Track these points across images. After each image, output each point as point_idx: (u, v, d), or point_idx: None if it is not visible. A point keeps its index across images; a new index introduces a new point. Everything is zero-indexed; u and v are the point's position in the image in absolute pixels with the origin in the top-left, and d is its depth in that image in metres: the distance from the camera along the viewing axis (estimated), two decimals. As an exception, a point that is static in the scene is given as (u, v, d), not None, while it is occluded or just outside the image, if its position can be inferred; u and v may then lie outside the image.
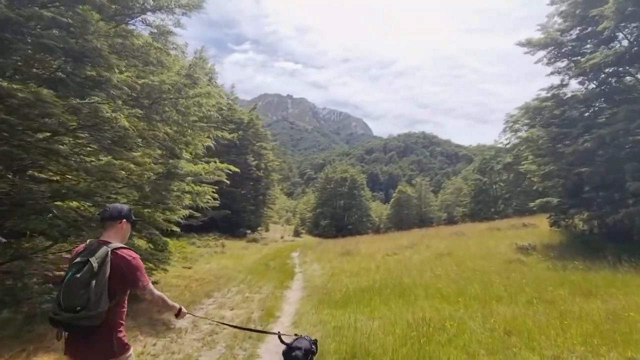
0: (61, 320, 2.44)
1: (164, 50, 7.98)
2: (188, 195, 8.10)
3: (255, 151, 42.86)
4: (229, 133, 38.21)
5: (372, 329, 6.11)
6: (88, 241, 2.71)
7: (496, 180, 49.65)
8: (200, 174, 7.97)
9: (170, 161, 7.84)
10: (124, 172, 7.26)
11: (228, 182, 9.88)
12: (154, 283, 8.26)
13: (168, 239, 9.21)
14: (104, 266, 2.52)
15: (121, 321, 2.67)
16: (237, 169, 9.00)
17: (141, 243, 8.76)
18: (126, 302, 2.74)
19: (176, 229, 9.73)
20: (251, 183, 41.55)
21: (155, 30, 7.88)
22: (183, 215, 9.64)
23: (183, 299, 8.03)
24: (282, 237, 46.11)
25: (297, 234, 56.13)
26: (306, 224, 68.67)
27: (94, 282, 2.46)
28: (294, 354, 4.21)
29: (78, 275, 2.48)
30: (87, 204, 7.02)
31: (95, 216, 7.21)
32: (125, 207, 2.95)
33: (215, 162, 8.72)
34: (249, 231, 37.99)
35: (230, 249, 24.15)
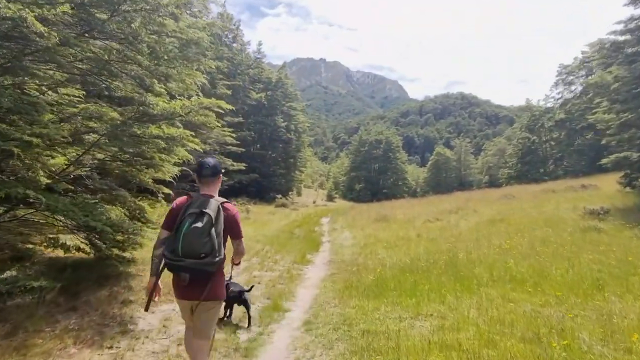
0: (186, 265, 2.60)
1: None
2: (162, 143, 5.85)
3: (285, 112, 40.78)
4: (257, 93, 36.43)
5: (426, 344, 3.88)
6: (192, 194, 2.85)
7: (546, 139, 45.39)
8: (179, 114, 5.69)
9: (135, 95, 5.61)
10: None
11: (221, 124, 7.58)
12: (130, 261, 6.09)
13: (146, 204, 7.09)
14: (220, 217, 2.73)
15: (223, 267, 2.89)
16: (230, 106, 6.67)
17: (117, 212, 6.68)
18: None
19: (167, 191, 7.71)
20: (281, 145, 39.74)
21: None
22: (176, 174, 7.58)
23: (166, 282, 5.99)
24: (314, 202, 44.32)
25: (330, 198, 54.14)
26: (340, 188, 66.65)
27: (213, 231, 2.64)
28: (243, 297, 4.67)
29: (199, 225, 2.61)
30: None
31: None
32: (218, 162, 3.05)
33: (198, 96, 6.39)
34: (279, 196, 36.39)
35: (256, 214, 22.37)
